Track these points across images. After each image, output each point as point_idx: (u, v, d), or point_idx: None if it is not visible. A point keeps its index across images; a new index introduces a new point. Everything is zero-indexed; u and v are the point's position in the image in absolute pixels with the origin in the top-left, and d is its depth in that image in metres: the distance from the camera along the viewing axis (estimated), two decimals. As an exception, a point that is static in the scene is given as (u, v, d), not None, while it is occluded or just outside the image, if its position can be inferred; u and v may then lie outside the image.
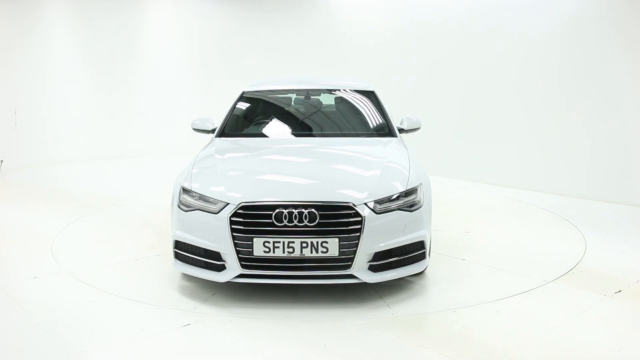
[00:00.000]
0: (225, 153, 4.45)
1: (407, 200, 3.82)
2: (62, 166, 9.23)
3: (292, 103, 5.68)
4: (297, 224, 3.55)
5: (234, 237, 3.61)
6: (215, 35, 10.95)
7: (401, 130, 5.07)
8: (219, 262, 3.72)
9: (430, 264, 4.34)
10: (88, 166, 9.32)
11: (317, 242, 3.55)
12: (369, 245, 3.62)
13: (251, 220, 3.61)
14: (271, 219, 3.56)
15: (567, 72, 7.17)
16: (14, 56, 9.03)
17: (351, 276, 3.67)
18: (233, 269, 3.68)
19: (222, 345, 3.27)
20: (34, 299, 3.90)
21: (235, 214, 3.62)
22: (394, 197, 3.78)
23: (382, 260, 3.72)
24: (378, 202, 3.70)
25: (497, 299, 3.91)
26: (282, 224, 3.56)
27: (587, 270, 4.50)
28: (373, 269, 3.70)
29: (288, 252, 3.56)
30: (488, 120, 8.05)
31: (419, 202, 3.89)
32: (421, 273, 4.24)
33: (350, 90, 5.54)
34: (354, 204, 3.61)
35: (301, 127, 5.24)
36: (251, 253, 3.60)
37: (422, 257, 3.91)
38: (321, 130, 5.17)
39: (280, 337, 3.36)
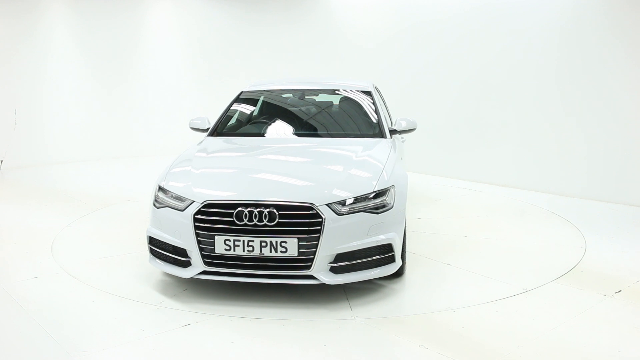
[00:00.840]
0: (207, 152, 4.53)
1: (373, 202, 3.77)
2: (62, 166, 9.23)
3: (287, 103, 5.68)
4: (257, 223, 3.57)
5: (197, 235, 3.67)
6: (215, 36, 10.95)
7: (394, 132, 5.01)
8: (185, 259, 3.80)
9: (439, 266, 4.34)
10: (88, 166, 9.32)
11: (276, 242, 3.56)
12: (329, 246, 3.59)
13: (213, 218, 3.65)
14: (232, 217, 3.60)
15: (568, 72, 7.16)
16: (14, 56, 9.03)
17: (311, 277, 3.65)
18: (197, 266, 3.74)
19: (222, 345, 3.27)
20: (34, 299, 3.90)
21: (199, 212, 3.68)
22: (358, 198, 3.74)
23: (345, 261, 3.68)
24: (341, 203, 3.67)
25: (497, 299, 3.91)
26: (243, 222, 3.58)
27: (587, 270, 4.50)
28: (335, 270, 3.66)
29: (248, 250, 3.59)
30: (488, 120, 8.05)
31: (388, 204, 3.82)
32: (397, 276, 4.18)
33: (347, 90, 5.53)
34: (314, 205, 3.59)
35: (291, 128, 5.26)
36: (213, 251, 3.65)
37: (391, 260, 3.84)
38: (311, 131, 5.16)
39: (280, 337, 3.36)
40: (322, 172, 4.09)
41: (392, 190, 3.91)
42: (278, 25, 10.71)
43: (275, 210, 3.57)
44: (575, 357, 3.14)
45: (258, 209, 3.58)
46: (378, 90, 6.02)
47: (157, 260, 4.03)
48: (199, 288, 4.05)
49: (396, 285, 4.14)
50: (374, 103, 5.24)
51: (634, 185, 6.68)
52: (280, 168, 4.26)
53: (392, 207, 3.84)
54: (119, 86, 10.25)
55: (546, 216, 6.20)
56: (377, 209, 3.75)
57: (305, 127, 5.26)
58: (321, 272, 3.63)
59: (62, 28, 9.54)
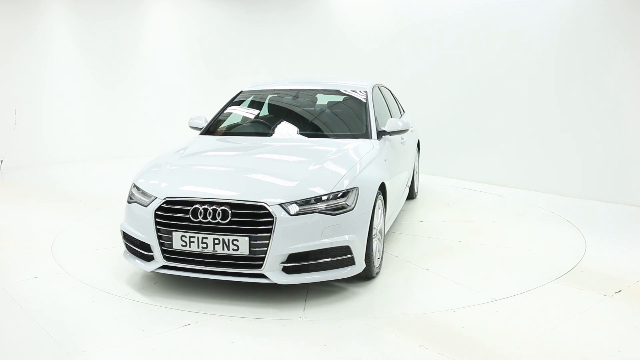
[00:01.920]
0: (185, 151, 4.62)
1: (331, 204, 3.74)
2: (62, 166, 9.23)
3: (281, 104, 5.70)
4: (211, 220, 3.64)
5: (157, 230, 3.79)
6: (215, 36, 10.95)
7: (383, 133, 4.93)
8: (148, 253, 3.92)
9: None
10: (88, 166, 9.32)
11: (229, 240, 3.62)
12: (281, 246, 3.59)
13: (172, 214, 3.76)
14: (189, 214, 3.68)
15: (568, 72, 7.16)
16: (14, 56, 9.02)
17: (263, 276, 3.67)
18: (158, 261, 3.86)
19: (222, 345, 3.27)
20: (34, 299, 3.90)
21: (160, 208, 3.79)
22: (313, 199, 3.72)
23: (299, 262, 3.67)
24: (296, 203, 3.67)
25: (497, 299, 3.91)
26: (198, 220, 3.66)
27: (587, 270, 4.50)
28: (287, 270, 3.67)
29: (202, 247, 3.67)
30: (487, 120, 8.05)
31: (348, 206, 3.79)
32: (367, 279, 4.16)
33: (342, 91, 5.52)
34: (266, 204, 3.61)
35: (279, 128, 5.29)
36: (171, 246, 3.75)
37: (350, 262, 3.82)
38: (296, 131, 5.14)
39: (280, 337, 3.36)
40: (283, 172, 4.05)
41: (354, 192, 3.87)
42: (278, 25, 10.71)
43: (228, 209, 3.63)
44: (575, 357, 3.14)
45: (212, 207, 3.65)
46: (381, 90, 5.97)
47: (129, 254, 4.17)
48: (200, 288, 4.05)
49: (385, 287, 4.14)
50: (366, 104, 5.17)
51: (633, 185, 6.68)
52: (246, 167, 4.28)
53: (352, 209, 3.81)
54: (119, 86, 10.24)
55: (546, 216, 6.20)
56: (333, 211, 3.73)
57: (291, 127, 5.27)
58: (273, 271, 3.64)
59: (62, 28, 9.54)
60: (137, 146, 10.35)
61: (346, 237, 3.75)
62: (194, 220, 3.68)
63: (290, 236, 3.61)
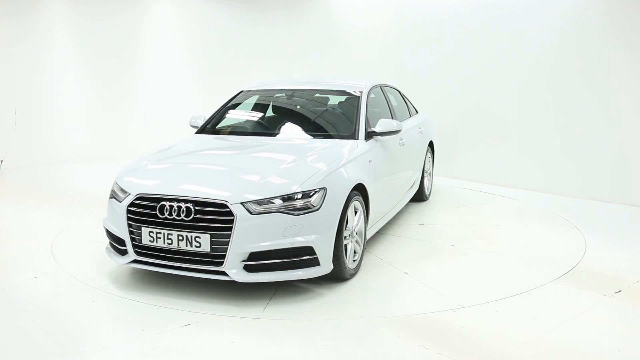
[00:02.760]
0: (172, 149, 4.72)
1: (294, 204, 3.75)
2: (62, 166, 9.23)
3: (276, 104, 5.72)
4: (176, 217, 3.73)
5: (129, 225, 3.93)
6: (215, 36, 10.94)
7: (373, 133, 4.89)
8: (122, 247, 4.05)
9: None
10: (88, 166, 9.32)
11: (192, 237, 3.70)
12: (241, 244, 3.64)
13: (142, 210, 3.87)
14: (156, 210, 3.79)
15: (568, 71, 7.16)
16: (14, 56, 9.02)
17: (224, 273, 3.72)
18: (130, 255, 3.98)
19: (222, 345, 3.27)
20: (34, 299, 3.90)
21: (132, 204, 3.92)
22: (276, 198, 3.74)
23: (260, 260, 3.71)
24: (257, 202, 3.70)
25: (497, 299, 3.91)
26: (164, 216, 3.76)
27: (587, 270, 4.50)
28: (248, 268, 3.71)
29: (167, 243, 3.77)
30: (487, 120, 8.04)
31: (312, 207, 3.79)
32: (340, 281, 4.15)
33: (337, 91, 5.50)
34: (228, 203, 3.67)
35: (267, 128, 5.33)
36: (141, 241, 3.88)
37: (314, 263, 3.81)
38: (285, 132, 5.14)
39: (280, 337, 3.36)
40: (252, 172, 4.05)
41: (320, 193, 3.86)
42: (278, 25, 10.70)
43: (192, 206, 3.71)
44: (575, 357, 3.14)
45: (178, 204, 3.74)
46: (385, 91, 5.90)
47: (109, 248, 4.29)
48: (200, 288, 4.05)
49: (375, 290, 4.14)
50: (358, 104, 5.13)
51: (634, 185, 6.67)
52: (219, 166, 4.33)
53: (318, 209, 3.80)
54: (119, 86, 10.24)
55: (546, 216, 6.20)
56: (296, 210, 3.74)
57: (279, 127, 5.27)
58: (233, 269, 3.69)
59: (62, 28, 9.54)
60: (137, 146, 10.34)
61: (309, 237, 3.74)
62: (161, 216, 3.78)
63: (250, 235, 3.64)
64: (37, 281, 4.23)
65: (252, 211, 3.67)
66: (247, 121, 5.56)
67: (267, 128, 5.34)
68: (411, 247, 5.07)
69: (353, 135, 4.82)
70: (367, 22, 9.50)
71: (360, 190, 4.33)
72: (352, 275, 4.25)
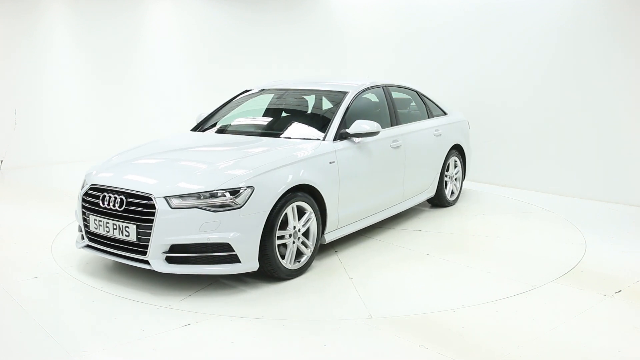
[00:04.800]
0: (148, 145, 4.99)
1: (214, 200, 3.85)
2: (62, 166, 9.23)
3: (269, 104, 5.76)
4: (111, 207, 4.01)
5: (83, 213, 4.27)
6: (215, 36, 10.94)
7: (346, 135, 4.83)
8: (81, 233, 4.38)
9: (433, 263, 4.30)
10: (88, 166, 9.29)
11: (122, 226, 3.96)
12: (162, 236, 3.82)
13: (92, 199, 4.19)
14: (99, 200, 4.11)
15: (568, 71, 7.16)
16: (14, 56, 9.02)
17: (147, 262, 3.91)
18: (85, 240, 4.31)
19: (222, 345, 3.27)
20: (34, 299, 3.90)
21: (86, 193, 4.26)
22: (197, 194, 3.86)
23: (181, 253, 3.86)
24: (180, 197, 3.85)
25: (497, 299, 3.91)
26: (104, 206, 4.06)
27: (587, 270, 4.50)
28: (170, 260, 3.88)
29: (106, 231, 4.06)
30: (487, 119, 8.04)
31: (235, 204, 3.86)
32: (279, 280, 4.17)
33: (325, 91, 5.47)
34: (152, 196, 3.87)
35: (248, 128, 5.38)
36: (89, 228, 4.21)
37: (234, 259, 3.88)
38: (260, 131, 5.21)
39: (280, 337, 3.37)
40: (189, 168, 4.22)
41: (246, 191, 3.91)
42: (278, 24, 10.70)
43: (124, 198, 3.97)
44: (575, 357, 3.14)
45: (114, 195, 4.03)
46: (387, 91, 5.71)
47: (78, 233, 4.54)
48: (199, 288, 4.06)
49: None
50: (339, 105, 5.08)
51: (634, 185, 6.67)
52: (168, 161, 4.56)
53: (240, 207, 3.86)
54: (119, 86, 10.23)
55: (546, 216, 6.20)
56: (216, 207, 3.84)
57: (259, 127, 5.34)
58: (156, 259, 3.87)
59: (62, 28, 9.53)
60: (137, 146, 10.35)
61: (227, 234, 3.83)
62: (102, 206, 4.08)
63: (170, 227, 3.81)
64: (37, 281, 4.23)
65: (172, 205, 3.83)
66: (233, 121, 5.61)
67: (247, 128, 5.40)
68: (381, 253, 4.87)
69: (321, 136, 4.79)
70: (368, 22, 9.49)
71: (309, 191, 4.34)
72: (291, 276, 4.24)
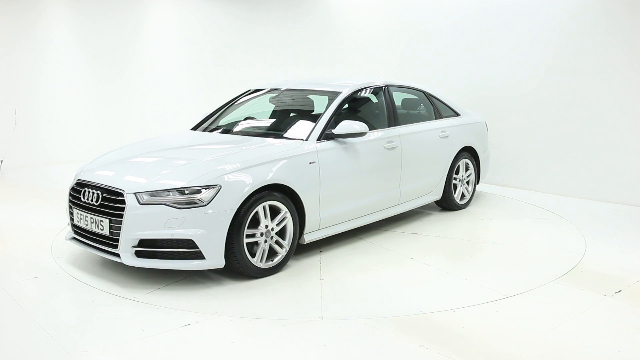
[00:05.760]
0: (142, 143, 5.13)
1: (180, 198, 3.95)
2: (62, 166, 9.23)
3: (266, 104, 5.77)
4: (90, 201, 4.21)
5: (70, 207, 4.47)
6: (215, 35, 10.94)
7: (331, 135, 4.80)
8: (69, 225, 4.59)
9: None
10: (88, 166, 9.31)
11: (98, 220, 4.14)
12: (131, 231, 3.95)
13: (76, 194, 4.39)
14: (80, 194, 4.32)
15: (567, 70, 7.16)
16: (13, 56, 9.02)
17: (118, 255, 4.05)
18: (71, 232, 4.53)
19: (222, 345, 3.27)
20: (34, 299, 3.90)
21: (72, 188, 4.46)
22: (165, 191, 3.97)
23: (149, 248, 3.99)
24: (149, 193, 3.98)
25: (497, 299, 3.91)
26: (84, 200, 4.26)
27: (587, 270, 4.50)
28: (138, 254, 4.01)
29: (85, 224, 4.26)
30: (487, 119, 8.04)
31: (201, 202, 3.93)
32: (251, 278, 4.21)
33: (323, 91, 5.42)
34: (124, 192, 4.02)
35: (241, 127, 5.38)
36: (73, 220, 4.42)
37: (198, 256, 3.96)
38: (250, 131, 5.21)
39: (280, 337, 3.36)
40: (168, 166, 4.32)
41: (212, 190, 3.98)
42: (279, 24, 10.70)
43: (100, 193, 4.15)
44: (575, 357, 3.14)
45: (92, 190, 4.23)
46: (388, 92, 5.62)
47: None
48: (200, 288, 4.06)
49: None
50: (328, 105, 5.06)
51: (633, 185, 6.67)
52: (150, 158, 4.64)
53: (205, 205, 3.93)
54: (119, 86, 10.24)
55: (546, 216, 6.20)
56: (182, 204, 3.93)
57: (249, 127, 5.36)
58: (125, 253, 4.01)
59: (62, 28, 9.53)
60: (137, 146, 10.35)
61: (191, 231, 3.90)
62: (82, 200, 4.28)
63: (138, 223, 3.95)
64: (37, 281, 4.23)
65: (141, 201, 3.97)
66: (227, 121, 5.63)
67: (239, 127, 5.40)
68: (365, 256, 4.80)
69: (304, 136, 4.78)
70: (369, 21, 9.49)
71: (283, 190, 4.36)
72: (262, 274, 4.26)
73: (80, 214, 4.30)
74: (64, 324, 3.52)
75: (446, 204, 6.25)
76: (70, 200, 4.46)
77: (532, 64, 7.48)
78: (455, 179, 6.27)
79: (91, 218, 4.19)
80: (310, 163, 4.58)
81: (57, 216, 6.01)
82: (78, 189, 4.37)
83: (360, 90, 5.45)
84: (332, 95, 5.22)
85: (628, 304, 3.86)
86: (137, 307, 3.76)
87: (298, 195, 4.44)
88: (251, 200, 4.10)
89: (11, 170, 8.76)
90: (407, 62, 8.96)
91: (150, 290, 4.02)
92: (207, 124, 5.65)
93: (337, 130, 4.80)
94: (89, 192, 4.24)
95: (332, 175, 4.74)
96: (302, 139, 4.74)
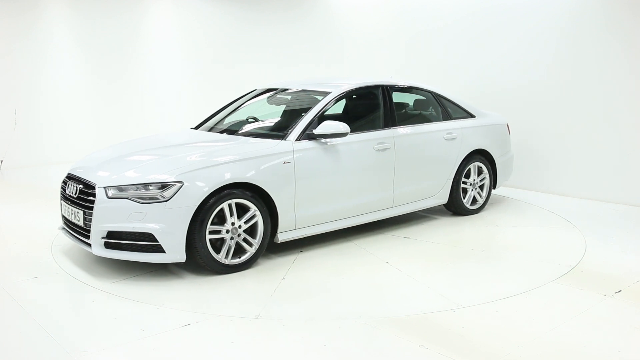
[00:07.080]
0: (140, 140, 5.30)
1: (143, 193, 4.11)
2: (62, 166, 9.20)
3: (264, 104, 5.81)
4: (71, 194, 4.46)
5: (61, 199, 4.71)
6: (216, 35, 10.94)
7: (312, 135, 4.77)
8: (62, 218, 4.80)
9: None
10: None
11: (75, 212, 4.38)
12: (99, 222, 4.14)
13: (64, 186, 4.65)
14: (64, 187, 4.60)
15: (566, 70, 7.16)
16: (13, 56, 9.02)
17: (90, 245, 4.25)
18: (62, 224, 4.77)
19: (222, 345, 3.27)
20: (34, 299, 3.90)
21: (63, 181, 4.69)
22: (129, 186, 4.15)
23: (115, 239, 4.16)
24: (116, 187, 4.17)
25: (497, 299, 3.91)
26: (67, 193, 4.54)
27: (587, 270, 4.50)
28: (107, 245, 4.19)
29: (67, 215, 4.52)
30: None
31: (163, 197, 4.07)
32: (217, 274, 4.27)
33: (317, 91, 5.40)
34: (95, 186, 4.23)
35: (232, 127, 5.41)
36: (61, 211, 4.68)
37: (159, 249, 4.09)
38: (238, 131, 5.21)
39: (280, 337, 3.37)
40: (141, 163, 4.49)
41: (174, 186, 4.11)
42: (279, 24, 10.70)
43: (78, 186, 4.39)
44: (575, 357, 3.14)
45: (73, 183, 4.47)
46: (388, 90, 5.51)
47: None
48: (200, 288, 4.06)
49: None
50: (314, 105, 5.03)
51: (633, 185, 6.67)
52: (131, 156, 4.74)
53: (166, 201, 4.07)
54: (119, 86, 10.24)
55: (546, 216, 6.20)
56: (145, 199, 4.09)
57: (239, 126, 5.35)
58: (96, 243, 4.20)
59: (62, 28, 9.53)
60: (137, 146, 10.34)
61: (150, 225, 4.05)
62: (66, 193, 4.56)
63: (105, 215, 4.14)
64: (37, 281, 4.23)
65: (108, 195, 4.15)
66: (221, 120, 5.68)
67: (231, 126, 5.43)
68: (342, 258, 4.73)
69: (282, 136, 4.78)
70: (369, 21, 9.49)
71: (255, 190, 4.39)
72: (227, 271, 4.31)
73: (65, 206, 4.57)
74: (64, 324, 3.52)
75: (454, 208, 6.02)
76: (61, 193, 4.72)
77: (531, 64, 7.48)
78: (465, 182, 6.05)
79: (71, 210, 4.43)
80: (284, 163, 4.57)
81: (56, 216, 6.01)
82: (65, 182, 4.64)
83: (354, 90, 5.40)
84: (322, 95, 5.22)
85: (628, 304, 3.86)
86: (137, 307, 3.76)
87: (268, 194, 4.46)
88: (214, 198, 4.17)
89: (11, 170, 8.76)
90: (407, 62, 8.96)
91: (151, 291, 4.02)
92: (208, 123, 5.68)
93: (317, 130, 4.76)
94: (71, 185, 4.49)
95: (309, 175, 4.71)
96: (282, 139, 4.73)
